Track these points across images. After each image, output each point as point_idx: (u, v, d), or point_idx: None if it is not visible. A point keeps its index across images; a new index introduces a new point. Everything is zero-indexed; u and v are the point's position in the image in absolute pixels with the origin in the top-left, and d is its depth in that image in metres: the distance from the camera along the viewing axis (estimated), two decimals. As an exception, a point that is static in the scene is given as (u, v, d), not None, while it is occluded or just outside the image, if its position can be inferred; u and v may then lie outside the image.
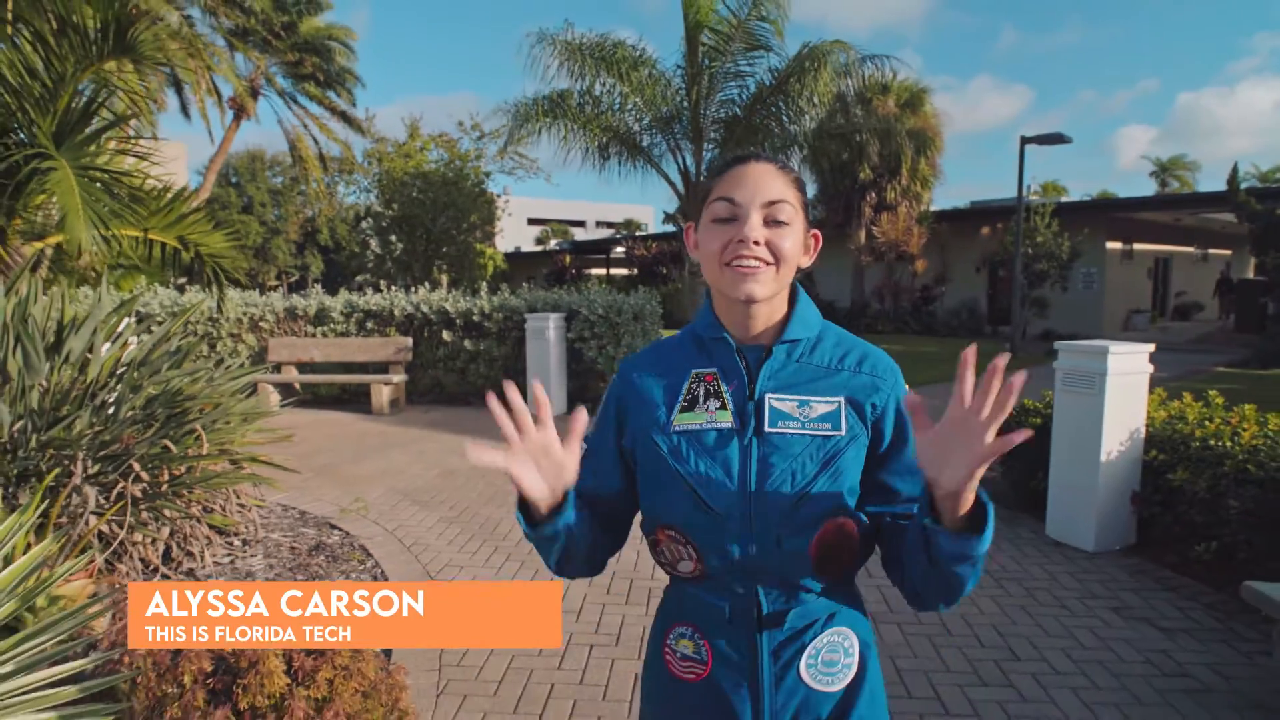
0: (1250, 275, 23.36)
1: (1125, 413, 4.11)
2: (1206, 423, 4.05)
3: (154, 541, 3.58)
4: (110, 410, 3.48)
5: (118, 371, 3.79)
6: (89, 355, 3.70)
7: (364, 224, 15.58)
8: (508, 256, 17.49)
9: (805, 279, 24.78)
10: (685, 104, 9.28)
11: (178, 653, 2.28)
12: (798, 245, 1.07)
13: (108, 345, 3.96)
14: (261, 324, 9.61)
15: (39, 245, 4.82)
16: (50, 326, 3.78)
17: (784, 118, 8.99)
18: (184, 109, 16.29)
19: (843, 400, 1.07)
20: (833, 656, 1.09)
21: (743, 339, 1.11)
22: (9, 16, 4.20)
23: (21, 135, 4.42)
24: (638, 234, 33.15)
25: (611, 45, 8.88)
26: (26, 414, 3.34)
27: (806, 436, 1.05)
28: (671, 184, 9.93)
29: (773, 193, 1.04)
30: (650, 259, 25.87)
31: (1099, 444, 4.08)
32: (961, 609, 3.51)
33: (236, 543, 4.15)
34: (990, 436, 0.85)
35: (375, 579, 3.92)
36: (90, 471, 3.34)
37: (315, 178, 17.02)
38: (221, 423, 3.94)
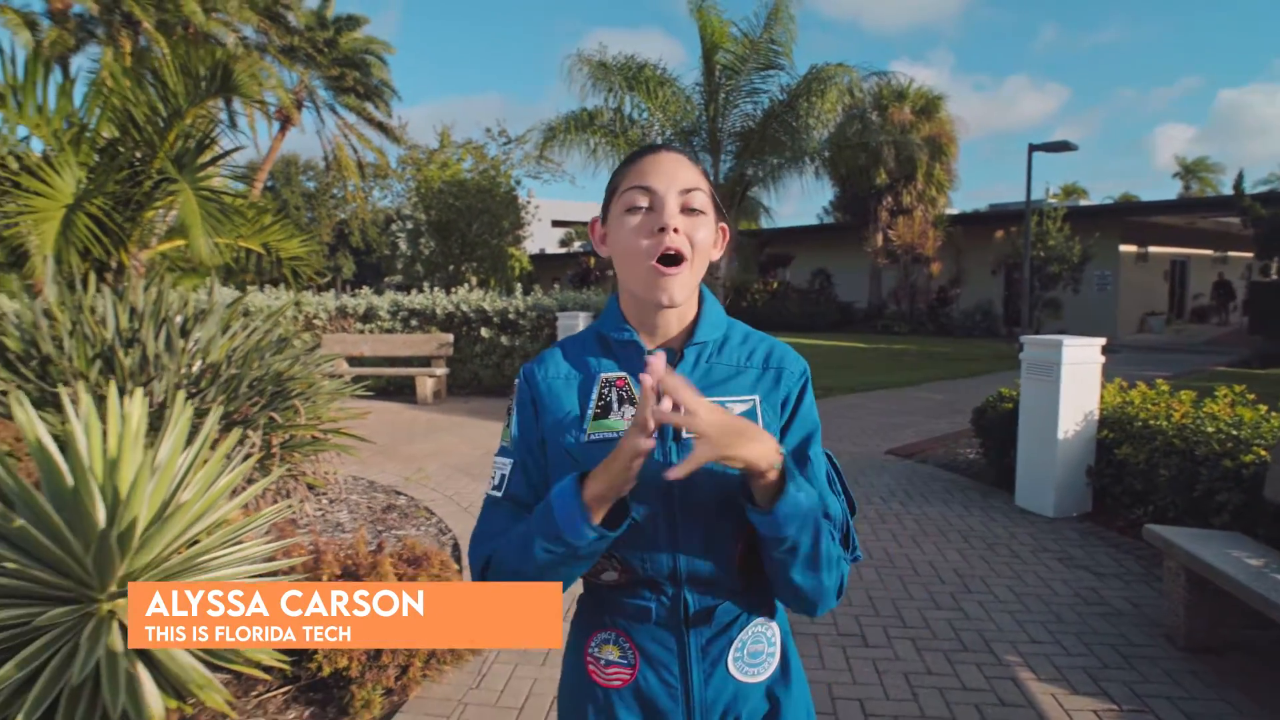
0: (1266, 277, 23.54)
1: (1080, 397, 4.77)
2: (1150, 405, 4.70)
3: (264, 493, 4.37)
4: (233, 387, 4.27)
5: (232, 356, 4.59)
6: (211, 343, 4.50)
7: (394, 226, 16.43)
8: (533, 258, 18.29)
9: (824, 279, 25.37)
10: (703, 119, 10.04)
11: (317, 557, 3.05)
12: (709, 237, 1.05)
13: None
14: (315, 321, 10.48)
15: (150, 252, 5.66)
16: (177, 319, 4.58)
17: (796, 132, 9.69)
18: (232, 120, 17.37)
19: (758, 399, 1.06)
20: (757, 648, 1.10)
21: (652, 340, 1.08)
22: (140, 69, 5.03)
23: (137, 161, 5.26)
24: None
25: (638, 66, 9.67)
26: (168, 389, 4.14)
27: None
28: (692, 192, 10.66)
29: (688, 180, 1.02)
30: (672, 261, 26.49)
31: (1056, 424, 4.74)
32: (928, 556, 4.21)
33: (324, 501, 4.95)
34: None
35: (441, 532, 4.69)
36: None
37: (354, 183, 17.99)
38: (314, 400, 4.73)
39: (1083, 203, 30.62)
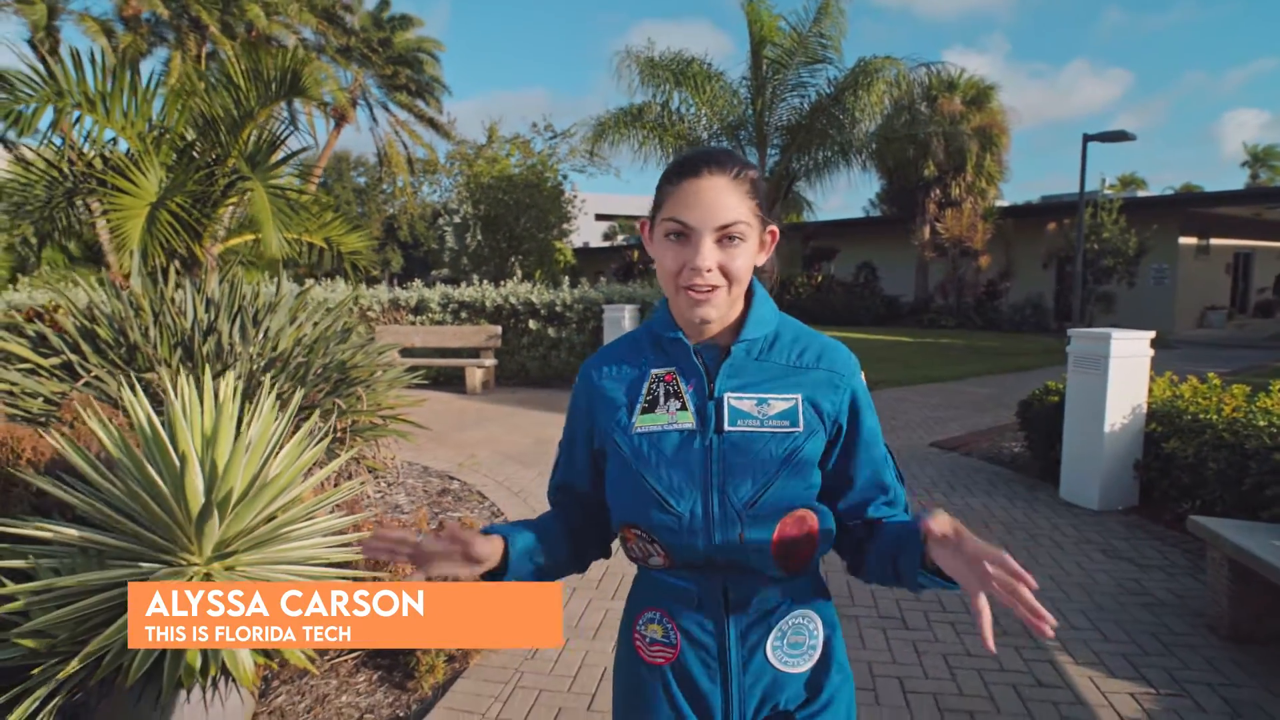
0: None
1: (1127, 390, 4.76)
2: (1200, 399, 4.67)
3: (331, 475, 4.62)
4: (300, 374, 4.53)
5: (299, 345, 4.85)
6: (281, 332, 4.77)
7: (440, 220, 16.82)
8: (576, 252, 18.58)
9: (869, 272, 25.12)
10: (750, 113, 10.09)
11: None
12: (751, 256, 1.08)
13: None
14: (369, 313, 10.84)
15: (221, 246, 5.98)
16: (250, 310, 4.86)
17: (843, 125, 9.68)
18: (293, 119, 17.90)
19: (800, 397, 1.09)
20: (798, 639, 1.13)
21: (699, 339, 1.12)
22: (215, 74, 5.33)
23: (212, 161, 5.57)
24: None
25: (685, 61, 9.78)
26: (242, 376, 4.41)
27: (766, 434, 1.07)
28: (737, 186, 10.76)
29: (726, 214, 1.03)
30: (715, 254, 26.51)
31: (1103, 417, 4.74)
32: (971, 546, 4.26)
33: (383, 483, 5.20)
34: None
35: (493, 515, 4.90)
36: (288, 420, 4.40)
37: (404, 179, 18.47)
38: (374, 387, 4.97)
39: (1140, 194, 29.69)
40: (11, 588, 2.18)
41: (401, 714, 2.72)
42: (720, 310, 1.07)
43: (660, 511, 1.06)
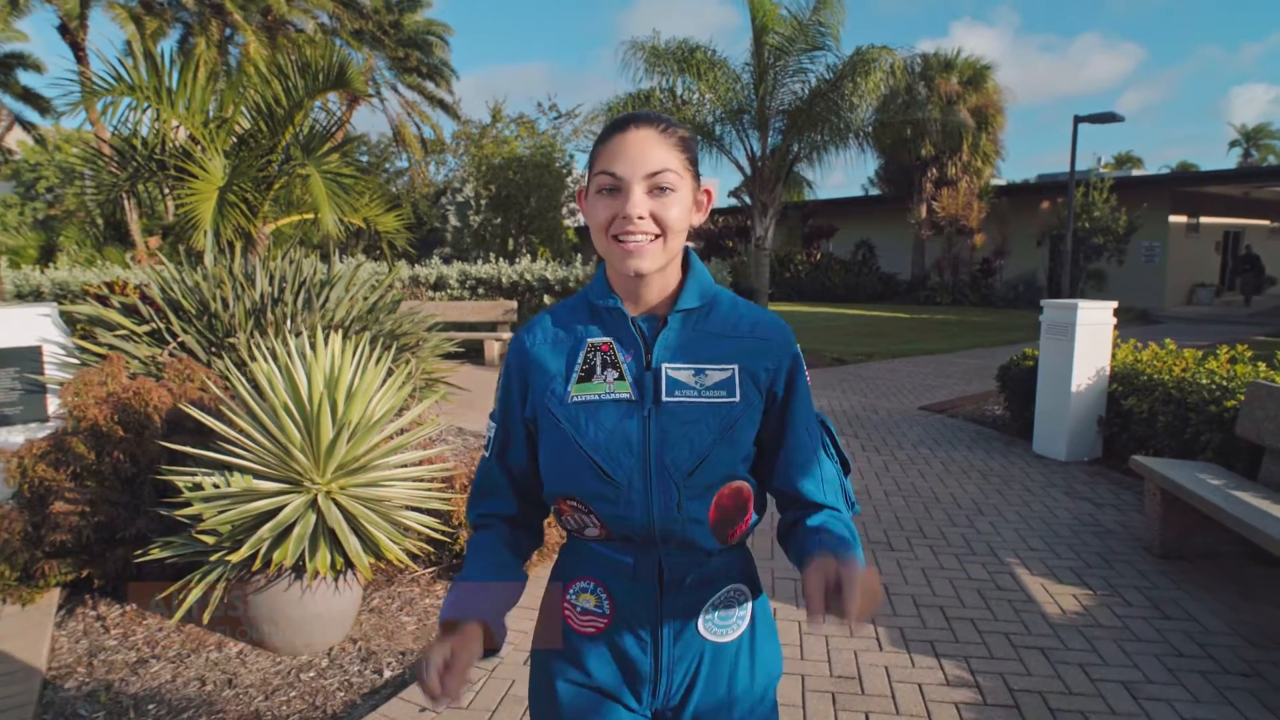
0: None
1: (1092, 355, 5.35)
2: (1156, 363, 5.26)
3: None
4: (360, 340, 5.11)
5: (352, 315, 5.42)
6: (339, 304, 5.34)
7: (443, 199, 17.28)
8: (578, 230, 19.07)
9: (867, 250, 25.65)
10: (752, 98, 10.58)
11: (453, 470, 3.83)
12: (685, 210, 1.06)
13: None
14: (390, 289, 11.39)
15: (272, 225, 6.53)
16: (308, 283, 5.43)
17: (841, 110, 10.20)
18: (323, 103, 18.29)
19: (737, 367, 1.09)
20: (728, 610, 1.15)
21: (636, 308, 1.11)
22: (271, 67, 5.86)
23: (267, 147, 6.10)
24: (704, 208, 34.27)
25: (689, 50, 10.26)
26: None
27: (703, 404, 1.06)
28: (740, 168, 11.29)
29: (654, 162, 1.03)
30: (716, 233, 27.01)
31: (1070, 379, 5.34)
32: (949, 489, 4.88)
33: (427, 440, 5.79)
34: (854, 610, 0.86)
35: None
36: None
37: (417, 159, 18.94)
38: (419, 354, 5.56)
39: (1136, 172, 30.16)
40: (188, 495, 2.78)
41: (477, 611, 3.33)
42: (655, 262, 1.04)
43: (598, 481, 1.06)
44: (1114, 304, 5.40)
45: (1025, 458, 5.61)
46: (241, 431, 2.95)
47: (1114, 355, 5.52)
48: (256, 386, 3.06)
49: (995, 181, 22.99)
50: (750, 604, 1.18)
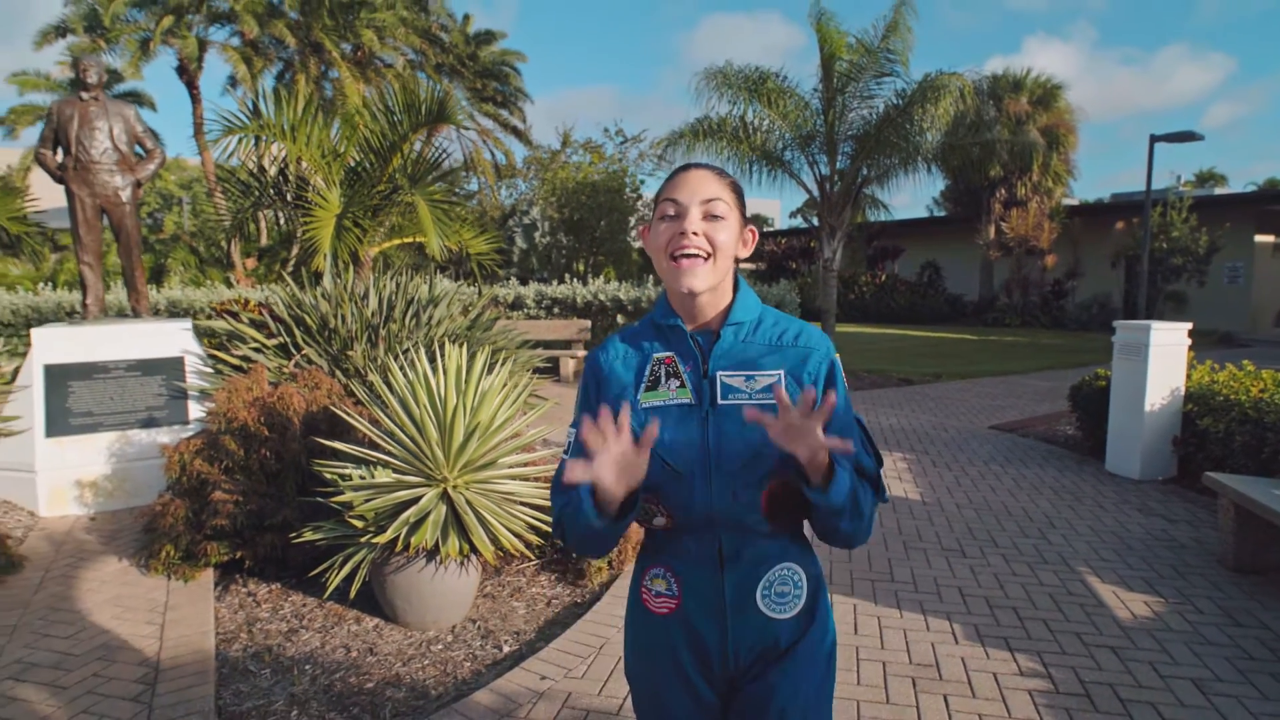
0: None
1: (1166, 375, 5.43)
2: (1232, 382, 5.30)
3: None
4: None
5: (455, 331, 5.89)
6: (441, 322, 5.81)
7: (510, 222, 17.92)
8: (641, 252, 19.61)
9: (933, 271, 25.42)
10: (821, 124, 10.85)
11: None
12: (733, 238, 1.23)
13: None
14: (469, 308, 11.99)
15: (376, 249, 7.10)
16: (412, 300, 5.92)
17: (909, 135, 10.37)
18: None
19: (783, 372, 1.24)
20: (784, 589, 1.27)
21: (694, 325, 1.27)
22: (379, 104, 6.43)
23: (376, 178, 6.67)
24: (766, 229, 34.54)
25: (760, 77, 10.62)
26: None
27: (755, 405, 1.20)
28: (808, 190, 11.55)
29: (709, 191, 1.22)
30: (780, 254, 27.15)
31: (1143, 398, 5.42)
32: (1021, 503, 5.03)
33: (518, 448, 6.20)
34: (818, 431, 1.06)
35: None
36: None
37: (490, 184, 19.77)
38: (512, 365, 5.98)
39: (1219, 190, 29.12)
40: (341, 485, 3.21)
41: (579, 600, 3.67)
42: (705, 281, 1.21)
43: (664, 473, 1.20)
44: (1189, 325, 5.47)
45: (1098, 476, 5.69)
46: (386, 431, 3.37)
47: (1189, 376, 5.58)
48: (385, 393, 3.48)
49: (1067, 201, 22.61)
50: (806, 586, 1.29)
